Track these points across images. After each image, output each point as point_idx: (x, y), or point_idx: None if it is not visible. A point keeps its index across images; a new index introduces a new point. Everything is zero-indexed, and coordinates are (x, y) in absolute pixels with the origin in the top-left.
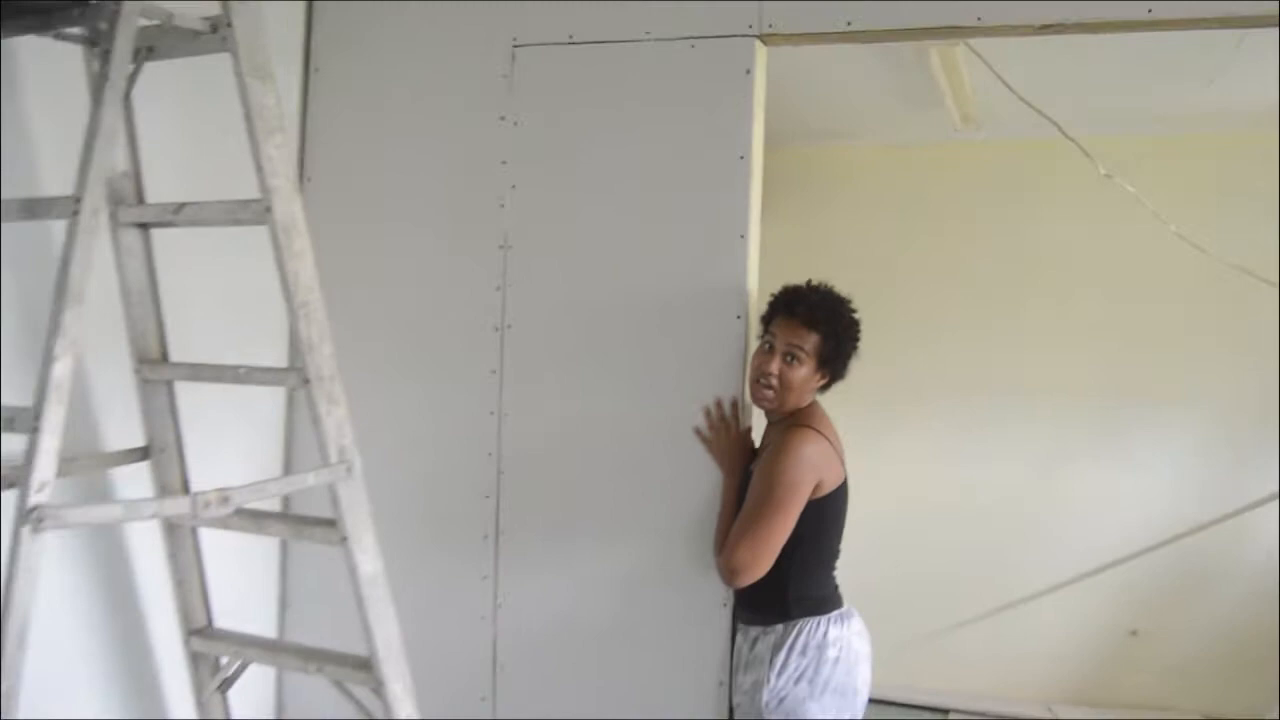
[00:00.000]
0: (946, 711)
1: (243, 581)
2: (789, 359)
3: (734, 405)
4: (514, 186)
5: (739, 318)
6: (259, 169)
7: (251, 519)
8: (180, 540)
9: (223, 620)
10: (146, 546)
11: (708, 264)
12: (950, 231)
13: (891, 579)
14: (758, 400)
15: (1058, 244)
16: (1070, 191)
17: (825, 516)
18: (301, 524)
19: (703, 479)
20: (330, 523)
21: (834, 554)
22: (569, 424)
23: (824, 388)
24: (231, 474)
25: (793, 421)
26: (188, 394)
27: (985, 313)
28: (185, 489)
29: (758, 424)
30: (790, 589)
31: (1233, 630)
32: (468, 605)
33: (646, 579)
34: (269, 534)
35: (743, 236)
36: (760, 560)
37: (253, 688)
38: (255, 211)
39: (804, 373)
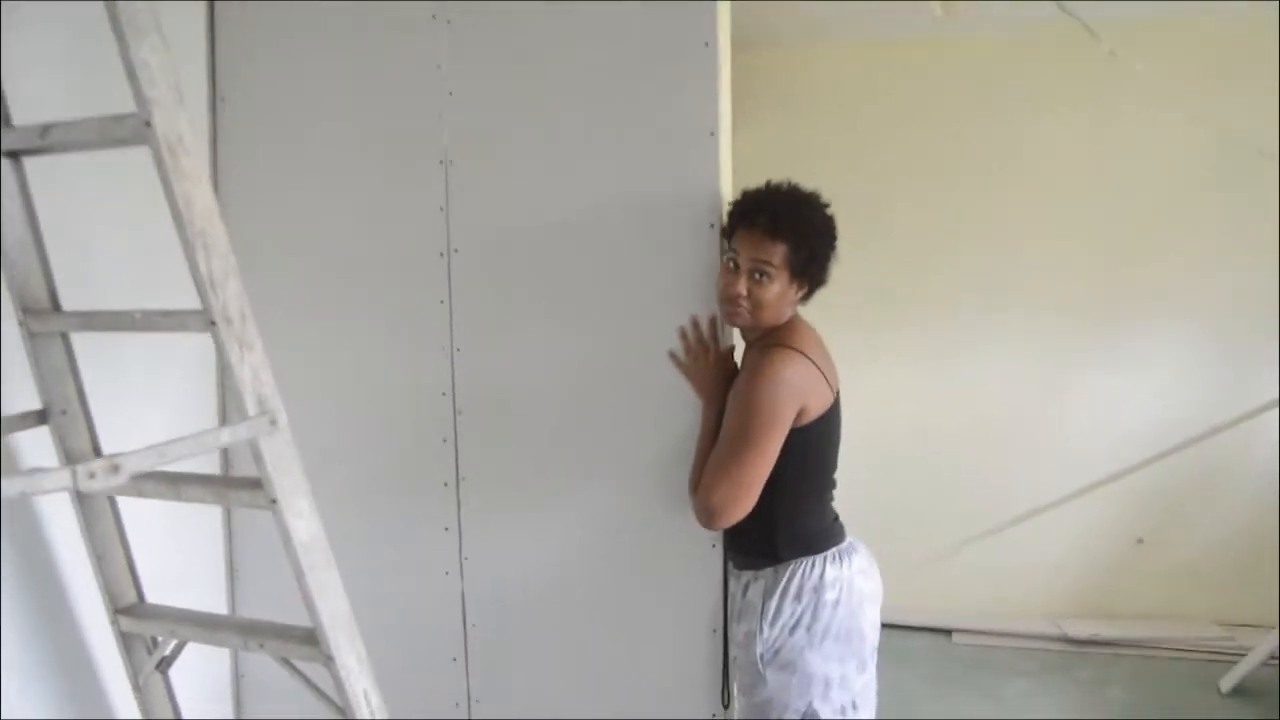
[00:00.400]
0: (950, 631)
1: (184, 549)
2: (757, 276)
3: (712, 324)
4: (451, 94)
5: (713, 226)
6: (132, 77)
7: (167, 483)
8: (96, 510)
9: (166, 594)
10: (70, 516)
11: (674, 168)
12: (933, 133)
13: (888, 499)
14: (730, 321)
15: (1047, 142)
16: (1060, 85)
17: (812, 445)
18: (225, 486)
19: (683, 409)
20: (257, 483)
21: (827, 485)
22: (530, 355)
23: (804, 298)
24: (162, 431)
25: (770, 341)
26: (108, 345)
27: (973, 218)
28: (96, 454)
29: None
30: (779, 528)
31: (1240, 533)
32: (431, 560)
33: (627, 523)
34: (187, 499)
35: (713, 134)
36: (738, 499)
37: (208, 662)
38: (132, 127)
39: (776, 289)
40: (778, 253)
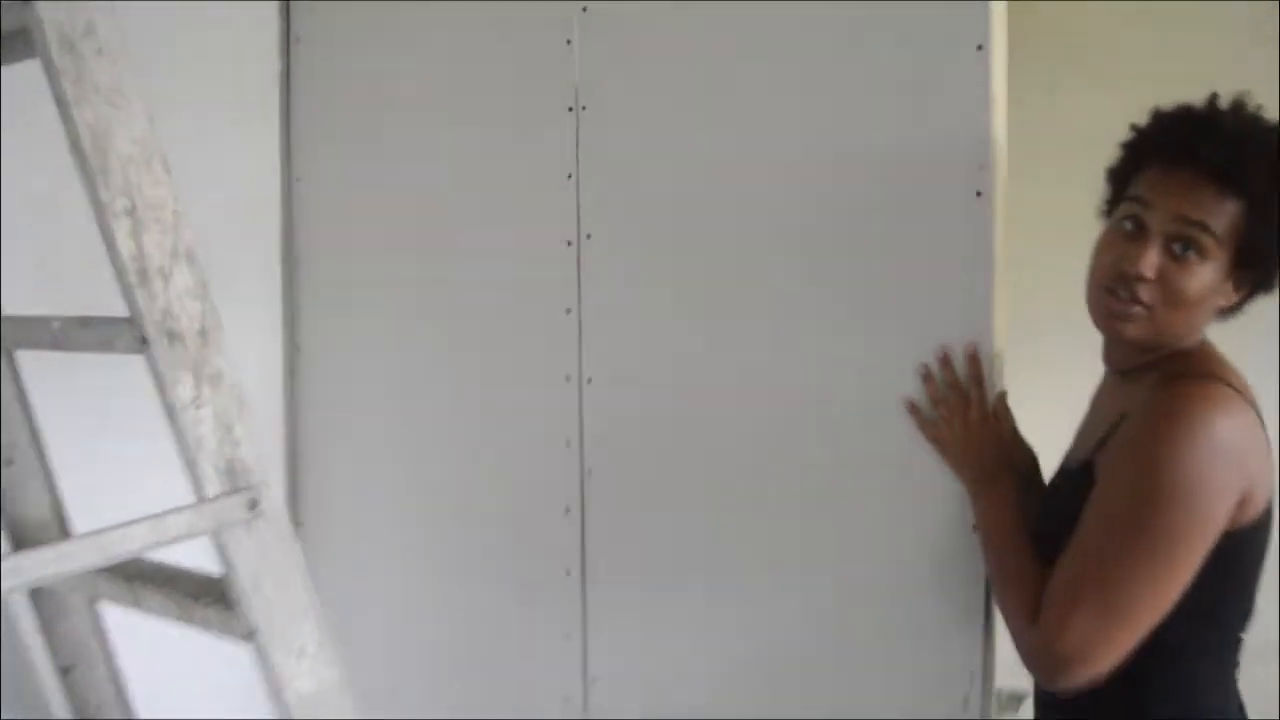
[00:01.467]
0: None
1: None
2: (1181, 248)
3: (974, 360)
4: (585, 9)
5: (979, 195)
6: None
7: (124, 585)
8: (60, 606)
9: (210, 689)
10: None
11: (913, 104)
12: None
13: None
14: (1111, 324)
15: None
16: None
17: (1246, 561)
18: (191, 599)
19: (930, 484)
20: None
21: (1238, 634)
22: (693, 389)
23: (1231, 310)
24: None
25: (1179, 371)
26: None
27: None
28: (58, 519)
29: (1024, 394)
30: (1162, 696)
31: None
32: (544, 680)
33: (824, 648)
34: (149, 611)
35: (980, 47)
36: (1115, 642)
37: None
38: (18, 15)
39: (1207, 277)
40: (1226, 213)
